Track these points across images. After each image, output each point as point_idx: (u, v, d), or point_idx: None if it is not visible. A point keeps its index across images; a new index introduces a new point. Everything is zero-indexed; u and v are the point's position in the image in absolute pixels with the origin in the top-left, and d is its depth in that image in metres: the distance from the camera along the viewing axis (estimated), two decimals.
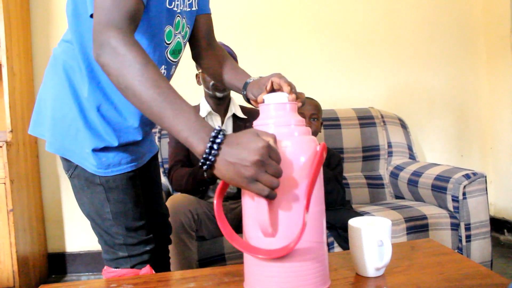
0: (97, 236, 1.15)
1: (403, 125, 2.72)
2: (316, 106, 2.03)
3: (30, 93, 2.58)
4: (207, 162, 0.74)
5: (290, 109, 0.85)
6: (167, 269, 1.37)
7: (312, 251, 0.79)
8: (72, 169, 1.10)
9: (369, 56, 2.92)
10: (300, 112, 1.99)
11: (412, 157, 2.65)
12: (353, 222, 0.96)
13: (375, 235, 0.90)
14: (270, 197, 0.73)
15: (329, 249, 1.84)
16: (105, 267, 1.15)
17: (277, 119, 0.82)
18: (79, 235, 2.73)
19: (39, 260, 2.57)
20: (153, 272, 1.14)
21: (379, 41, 2.92)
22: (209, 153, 0.73)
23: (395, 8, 2.94)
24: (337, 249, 1.88)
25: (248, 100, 1.14)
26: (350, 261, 0.97)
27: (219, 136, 0.74)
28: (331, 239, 1.90)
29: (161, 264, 1.30)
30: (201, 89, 2.16)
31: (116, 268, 1.13)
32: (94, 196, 1.09)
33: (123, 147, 1.10)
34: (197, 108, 2.16)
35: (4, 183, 2.21)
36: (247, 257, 0.83)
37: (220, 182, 0.82)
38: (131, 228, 1.12)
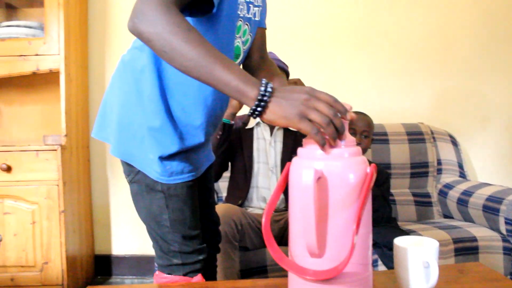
0: (152, 241, 1.16)
1: (454, 142, 2.63)
2: (369, 124, 1.99)
3: (84, 99, 2.69)
4: (261, 103, 0.78)
5: None
6: (214, 277, 1.37)
7: (358, 273, 0.78)
8: (133, 174, 1.11)
9: (419, 69, 2.84)
10: (352, 127, 1.96)
11: (462, 175, 2.56)
12: (398, 241, 0.93)
13: (421, 256, 0.87)
14: (319, 140, 0.75)
15: (373, 267, 1.80)
16: (157, 272, 1.16)
17: None
18: (125, 239, 2.81)
19: (86, 261, 2.65)
20: (204, 281, 1.14)
21: (430, 55, 2.84)
22: (264, 94, 0.78)
23: (448, 21, 2.84)
24: (381, 267, 1.84)
25: None
26: (395, 281, 0.94)
27: (270, 84, 0.80)
28: (375, 256, 1.85)
29: (208, 272, 1.31)
30: None
31: (168, 274, 1.14)
32: (153, 202, 1.10)
33: (186, 154, 1.11)
34: (244, 118, 2.16)
35: (57, 185, 2.30)
36: (292, 274, 0.82)
37: (269, 198, 0.81)
38: (187, 237, 1.12)
